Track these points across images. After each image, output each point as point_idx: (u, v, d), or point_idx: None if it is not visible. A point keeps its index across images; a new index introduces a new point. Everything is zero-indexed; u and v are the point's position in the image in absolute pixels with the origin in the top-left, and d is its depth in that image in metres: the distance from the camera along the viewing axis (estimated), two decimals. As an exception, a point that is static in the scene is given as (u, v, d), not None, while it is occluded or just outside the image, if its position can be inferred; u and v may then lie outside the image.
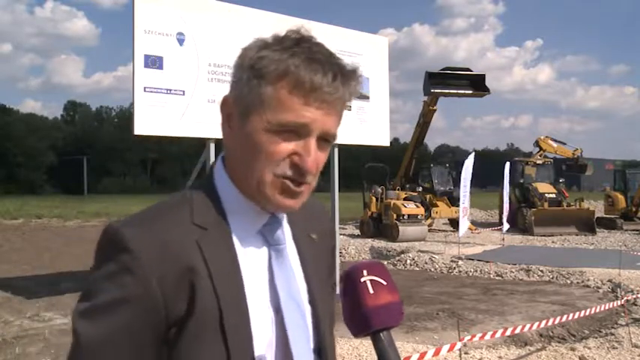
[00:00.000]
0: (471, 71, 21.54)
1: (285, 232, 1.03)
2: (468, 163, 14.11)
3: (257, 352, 0.92)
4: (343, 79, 0.92)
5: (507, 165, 16.45)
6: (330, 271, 1.15)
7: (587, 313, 6.03)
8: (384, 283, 0.91)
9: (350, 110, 8.88)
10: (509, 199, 17.53)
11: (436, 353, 4.42)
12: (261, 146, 0.92)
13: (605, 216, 22.94)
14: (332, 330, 1.07)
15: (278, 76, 0.90)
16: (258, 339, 0.92)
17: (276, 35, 0.95)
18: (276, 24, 8.36)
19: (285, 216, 1.03)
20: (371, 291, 0.89)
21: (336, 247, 1.21)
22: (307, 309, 1.01)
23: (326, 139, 0.95)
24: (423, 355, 4.26)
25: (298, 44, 0.92)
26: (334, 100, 0.92)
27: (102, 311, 0.86)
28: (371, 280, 0.90)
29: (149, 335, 0.87)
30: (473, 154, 14.89)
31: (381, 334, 0.89)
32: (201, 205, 0.95)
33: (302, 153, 0.92)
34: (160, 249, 0.88)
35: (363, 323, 0.89)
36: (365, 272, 0.91)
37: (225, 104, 0.98)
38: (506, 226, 16.16)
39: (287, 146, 0.92)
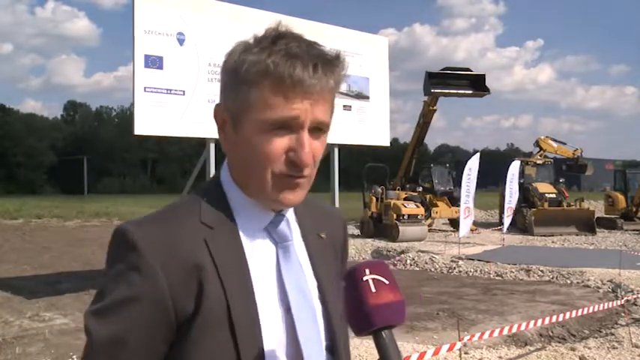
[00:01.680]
0: (471, 71, 21.53)
1: (294, 230, 1.04)
2: (472, 164, 14.03)
3: (267, 348, 0.92)
4: (325, 67, 0.93)
5: (515, 164, 16.37)
6: (340, 270, 1.14)
7: (588, 312, 6.03)
8: (387, 282, 0.91)
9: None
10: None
11: (435, 353, 4.41)
12: (256, 148, 0.93)
13: (605, 216, 22.93)
14: (346, 329, 1.06)
15: (259, 77, 0.91)
16: (267, 335, 0.93)
17: (256, 35, 0.95)
18: (275, 22, 8.37)
19: (293, 215, 1.05)
20: (373, 290, 0.89)
21: (347, 247, 1.21)
22: (318, 307, 1.01)
23: (319, 129, 0.96)
24: (422, 354, 4.25)
25: (275, 42, 0.92)
26: (319, 90, 0.92)
27: (112, 310, 0.88)
28: (373, 279, 0.90)
29: (159, 332, 0.89)
30: (478, 154, 14.73)
31: (383, 333, 0.89)
32: (209, 205, 0.97)
33: (296, 147, 0.93)
34: (167, 247, 0.90)
35: (364, 321, 0.89)
36: (367, 271, 0.91)
37: (218, 113, 1.00)
38: (507, 225, 16.01)
39: (281, 143, 0.93)
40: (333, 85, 0.95)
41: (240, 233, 0.97)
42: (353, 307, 0.91)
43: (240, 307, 0.91)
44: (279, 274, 0.98)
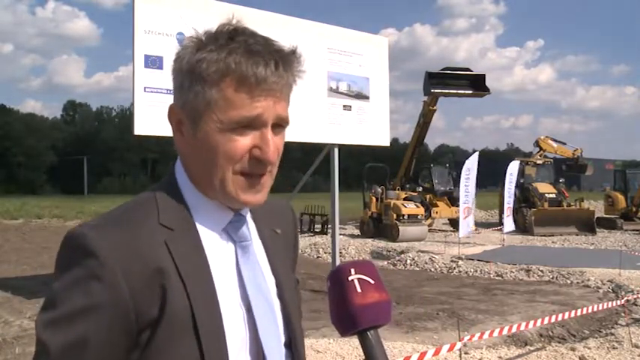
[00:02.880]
0: (471, 71, 21.54)
1: (250, 228, 1.03)
2: (471, 164, 14.04)
3: (230, 350, 0.91)
4: (285, 64, 0.92)
5: (513, 164, 16.34)
6: (294, 264, 1.15)
7: (588, 311, 6.03)
8: (372, 281, 0.90)
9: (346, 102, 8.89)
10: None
11: (436, 353, 4.41)
12: (218, 147, 0.91)
13: (605, 216, 22.94)
14: (300, 324, 1.07)
15: (220, 76, 0.90)
16: (230, 336, 0.92)
17: (209, 32, 0.93)
18: (276, 24, 8.36)
19: (249, 213, 1.03)
20: (358, 290, 0.88)
21: (298, 240, 1.20)
22: (276, 303, 1.01)
23: (280, 125, 0.95)
24: (423, 355, 4.25)
25: (233, 39, 0.91)
26: (281, 87, 0.92)
27: (69, 320, 0.83)
28: (359, 279, 0.89)
29: (119, 340, 0.86)
30: (476, 154, 14.78)
31: (369, 333, 0.88)
32: (167, 206, 0.94)
33: (261, 145, 0.92)
34: (127, 252, 0.86)
35: (350, 322, 0.88)
36: (353, 271, 0.90)
37: (173, 113, 0.97)
38: (510, 226, 15.96)
39: (244, 141, 0.92)
40: (292, 80, 0.94)
41: (200, 235, 0.95)
42: (338, 307, 0.90)
43: (204, 311, 0.89)
44: (239, 274, 0.97)
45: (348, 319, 0.88)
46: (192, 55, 0.92)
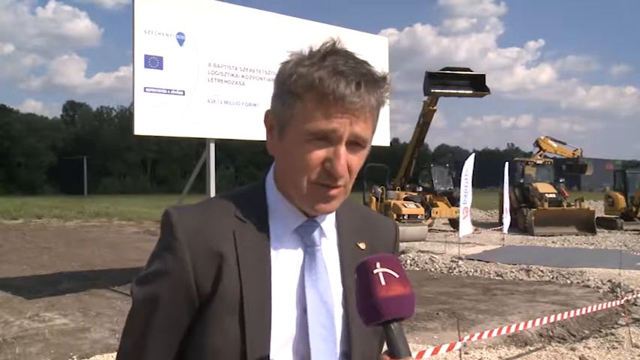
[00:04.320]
0: (471, 71, 21.52)
1: (329, 236, 1.09)
2: (468, 164, 14.08)
3: (274, 343, 0.98)
4: (368, 86, 0.97)
5: (511, 164, 16.32)
6: None
7: (588, 311, 6.02)
8: (397, 275, 0.94)
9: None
10: (510, 199, 17.49)
11: (435, 352, 4.41)
12: (296, 156, 1.00)
13: (605, 216, 22.94)
14: (369, 338, 1.07)
15: (305, 90, 0.97)
16: (277, 331, 0.98)
17: (311, 48, 1.01)
18: (276, 24, 8.35)
19: (333, 220, 1.10)
20: (383, 282, 0.92)
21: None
22: (339, 312, 1.05)
23: (357, 143, 1.00)
24: (421, 354, 4.25)
25: (325, 58, 0.97)
26: (360, 107, 0.97)
27: (148, 279, 1.02)
28: (383, 273, 0.93)
29: (182, 301, 1.00)
30: (473, 154, 14.85)
31: (392, 325, 0.92)
32: (247, 202, 1.06)
33: (332, 159, 0.98)
34: (197, 234, 1.00)
35: (373, 313, 0.92)
36: (378, 264, 0.94)
37: (267, 118, 1.07)
38: (507, 224, 15.97)
39: (319, 154, 0.98)
40: (375, 103, 0.99)
41: (270, 232, 1.03)
42: (363, 298, 0.94)
43: (254, 299, 0.98)
44: (301, 277, 1.03)
45: (372, 310, 0.92)
46: (289, 68, 1.00)
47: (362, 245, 1.13)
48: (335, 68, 0.96)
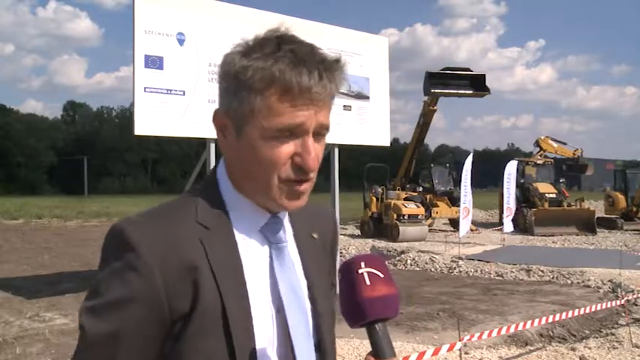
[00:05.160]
0: (471, 71, 21.52)
1: (287, 230, 1.05)
2: (467, 164, 14.11)
3: (259, 349, 0.93)
4: (329, 74, 0.93)
5: (511, 164, 16.26)
6: (331, 270, 1.16)
7: (588, 311, 6.02)
8: (381, 275, 0.92)
9: (350, 110, 8.88)
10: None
11: (435, 353, 4.41)
12: (261, 154, 0.94)
13: (605, 216, 22.91)
14: (333, 327, 1.08)
15: (265, 84, 0.91)
16: (259, 335, 0.94)
17: (257, 38, 0.94)
18: (276, 24, 8.36)
19: (286, 215, 1.05)
20: (367, 282, 0.91)
21: (337, 247, 1.21)
22: (308, 306, 1.02)
23: (321, 132, 0.97)
24: (422, 354, 4.24)
25: (279, 47, 0.91)
26: (324, 96, 0.93)
27: (108, 308, 0.88)
28: (368, 273, 0.92)
29: (154, 331, 0.90)
30: (471, 155, 14.88)
31: (376, 326, 0.91)
32: (205, 206, 0.97)
33: (302, 153, 0.94)
34: (163, 247, 0.90)
35: (358, 314, 0.90)
36: (363, 264, 0.92)
37: (217, 117, 0.99)
38: (509, 227, 15.93)
39: (287, 148, 0.93)
40: (335, 90, 0.96)
41: (236, 234, 0.97)
42: (348, 299, 0.92)
43: (236, 309, 0.92)
44: (272, 275, 0.99)
45: (357, 311, 0.90)
46: (238, 61, 0.93)
47: (315, 235, 1.11)
48: (293, 58, 0.90)
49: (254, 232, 0.99)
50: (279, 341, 0.97)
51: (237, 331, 0.91)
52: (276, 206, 0.98)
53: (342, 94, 8.47)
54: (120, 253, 0.89)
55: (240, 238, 0.97)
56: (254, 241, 0.99)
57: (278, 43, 0.92)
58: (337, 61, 0.95)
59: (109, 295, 0.88)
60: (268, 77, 0.90)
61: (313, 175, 0.98)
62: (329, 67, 0.93)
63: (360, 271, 0.91)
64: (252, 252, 0.98)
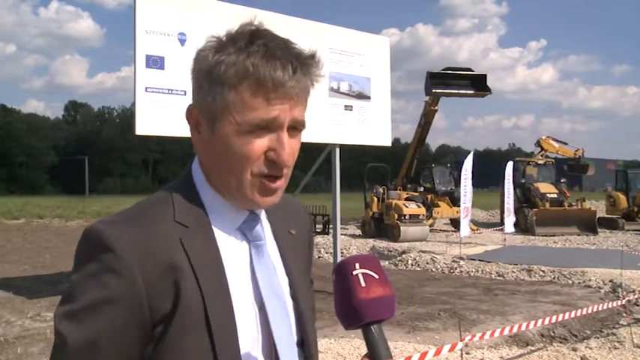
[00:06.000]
0: (472, 71, 21.52)
1: (265, 228, 1.04)
2: (467, 164, 14.12)
3: (242, 348, 0.92)
4: (303, 69, 0.92)
5: (509, 165, 16.29)
6: (308, 265, 1.16)
7: (589, 311, 6.02)
8: (376, 276, 0.91)
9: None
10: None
11: (437, 353, 4.41)
12: (235, 149, 0.92)
13: (606, 216, 22.91)
14: (313, 324, 1.08)
15: (238, 79, 0.90)
16: (242, 334, 0.93)
17: (230, 33, 0.93)
18: (277, 24, 8.35)
19: (264, 213, 1.05)
20: (362, 284, 0.89)
21: (312, 241, 1.22)
22: (289, 303, 1.02)
23: (296, 127, 0.96)
24: (424, 355, 4.25)
25: (252, 42, 0.90)
26: (298, 91, 0.92)
27: (86, 312, 0.85)
28: (363, 274, 0.90)
29: (134, 333, 0.88)
30: (471, 154, 14.89)
31: (372, 327, 0.90)
32: (183, 204, 0.96)
33: (276, 147, 0.93)
34: (142, 247, 0.88)
35: (354, 316, 0.89)
36: (357, 265, 0.91)
37: (191, 114, 0.98)
38: (510, 227, 15.96)
39: (261, 143, 0.92)
40: (310, 85, 0.95)
41: (215, 233, 0.96)
42: (342, 300, 0.91)
43: (217, 308, 0.90)
44: (252, 273, 0.98)
45: (352, 312, 0.89)
46: (211, 57, 0.92)
47: (292, 231, 1.10)
48: (267, 52, 0.89)
49: (233, 230, 0.98)
50: (263, 339, 0.96)
51: (219, 330, 0.90)
52: (249, 203, 0.97)
53: (343, 94, 8.47)
54: (96, 254, 0.87)
55: (219, 236, 0.96)
56: (233, 239, 0.98)
57: (251, 38, 0.91)
58: (312, 56, 0.94)
59: (86, 299, 0.85)
60: (242, 72, 0.89)
61: (287, 172, 0.97)
62: (303, 62, 0.92)
63: (354, 272, 0.90)
64: (231, 250, 0.97)
